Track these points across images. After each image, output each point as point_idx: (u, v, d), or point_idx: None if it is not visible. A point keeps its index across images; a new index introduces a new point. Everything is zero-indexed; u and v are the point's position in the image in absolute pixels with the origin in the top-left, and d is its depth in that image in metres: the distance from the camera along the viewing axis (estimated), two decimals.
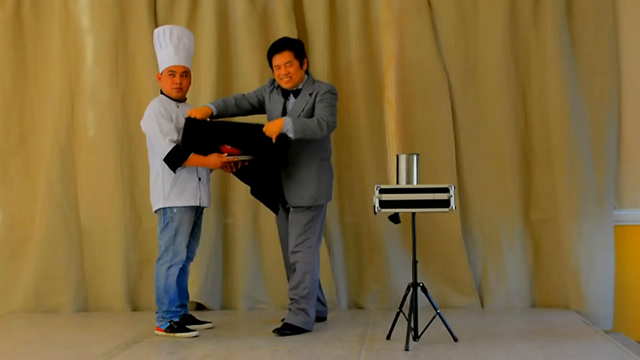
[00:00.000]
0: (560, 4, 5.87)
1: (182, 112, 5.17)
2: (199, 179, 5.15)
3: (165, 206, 5.09)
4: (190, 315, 5.35)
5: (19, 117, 6.30)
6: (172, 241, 5.08)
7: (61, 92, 6.20)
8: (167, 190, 5.09)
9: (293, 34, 5.96)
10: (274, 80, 5.21)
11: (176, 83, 5.15)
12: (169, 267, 5.08)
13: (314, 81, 5.16)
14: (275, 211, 5.30)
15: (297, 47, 5.10)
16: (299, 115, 5.03)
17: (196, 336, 5.07)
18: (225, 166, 5.09)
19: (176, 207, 5.08)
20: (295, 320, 5.06)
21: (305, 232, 5.08)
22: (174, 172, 5.06)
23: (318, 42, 6.02)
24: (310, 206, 5.09)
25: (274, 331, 5.03)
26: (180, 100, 5.23)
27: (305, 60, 5.13)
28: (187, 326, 5.16)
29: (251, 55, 6.07)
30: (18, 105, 6.30)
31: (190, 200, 5.12)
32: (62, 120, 6.19)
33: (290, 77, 5.05)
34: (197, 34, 6.09)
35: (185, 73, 5.19)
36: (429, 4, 6.00)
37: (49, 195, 6.15)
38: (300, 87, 5.11)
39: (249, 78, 6.06)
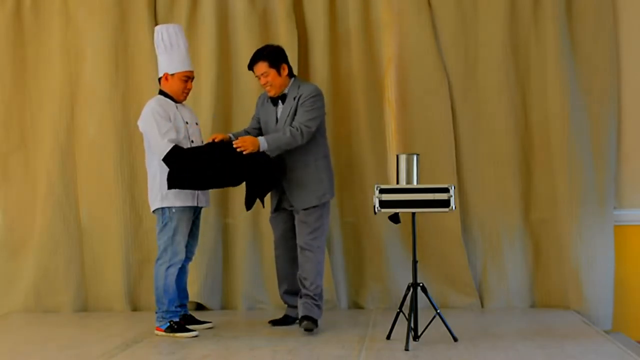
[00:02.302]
0: (560, 4, 5.87)
1: (181, 113, 5.20)
2: None
3: (163, 206, 5.10)
4: (190, 315, 5.35)
5: (19, 117, 6.30)
6: (171, 241, 5.09)
7: (61, 92, 6.20)
8: (165, 190, 5.08)
9: (293, 34, 5.97)
10: (261, 95, 5.35)
11: (188, 88, 5.23)
12: (168, 267, 5.09)
13: (299, 85, 5.19)
14: (248, 207, 5.19)
15: (270, 56, 5.14)
16: (285, 120, 5.11)
17: (196, 336, 5.07)
18: None
19: (174, 207, 5.09)
20: (315, 314, 5.13)
21: (314, 231, 5.13)
22: None
23: (318, 42, 6.02)
24: (313, 207, 5.14)
25: (302, 328, 5.06)
26: (181, 102, 5.26)
27: (282, 67, 5.15)
28: (187, 326, 5.16)
29: (251, 55, 6.05)
30: (18, 105, 6.30)
31: (187, 200, 5.13)
32: (62, 120, 6.19)
33: (271, 86, 5.14)
34: (197, 34, 6.11)
35: (193, 78, 5.28)
36: (429, 4, 6.00)
37: (49, 195, 6.16)
38: (286, 91, 5.18)
39: (249, 78, 6.04)
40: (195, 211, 5.24)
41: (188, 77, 5.21)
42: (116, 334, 5.20)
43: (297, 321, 5.30)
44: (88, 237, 6.20)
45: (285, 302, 5.46)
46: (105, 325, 5.57)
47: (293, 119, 5.10)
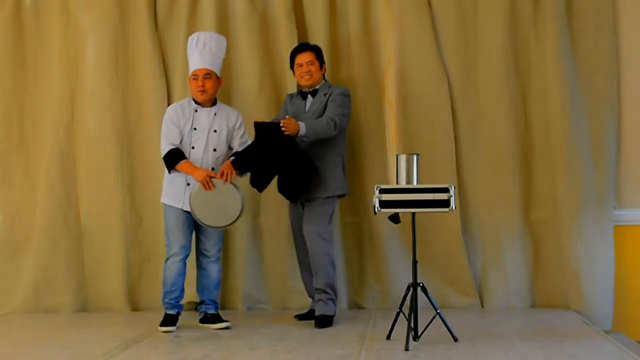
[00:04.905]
0: (560, 4, 5.87)
1: (196, 118, 5.33)
2: (187, 184, 5.29)
3: (161, 201, 5.40)
4: (215, 315, 5.42)
5: (19, 117, 6.30)
6: (166, 236, 5.35)
7: (61, 92, 6.20)
8: (164, 187, 5.40)
9: (293, 34, 5.98)
10: (290, 94, 5.61)
11: (199, 86, 5.32)
12: (166, 260, 5.32)
13: (330, 85, 5.49)
14: (294, 200, 5.43)
15: (318, 51, 5.53)
16: (314, 113, 5.33)
17: (171, 332, 5.22)
18: (205, 183, 5.18)
19: (165, 204, 5.35)
20: (328, 310, 5.28)
21: (318, 223, 5.30)
22: (169, 172, 5.31)
23: (318, 42, 6.00)
24: (325, 198, 5.32)
25: (316, 325, 5.24)
26: (205, 103, 5.36)
27: (324, 65, 5.50)
28: (210, 325, 5.33)
29: (251, 55, 6.07)
30: (18, 105, 6.30)
31: (174, 201, 5.34)
32: (62, 120, 6.19)
33: (311, 75, 5.39)
34: None
35: (208, 75, 5.33)
36: (429, 4, 6.00)
37: (49, 195, 6.15)
38: (317, 87, 5.42)
39: (249, 78, 6.07)
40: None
41: (196, 76, 5.31)
42: (116, 334, 5.20)
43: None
44: (88, 237, 6.20)
45: (312, 297, 5.58)
46: (105, 325, 5.58)
47: (322, 112, 5.32)
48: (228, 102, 6.08)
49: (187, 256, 5.33)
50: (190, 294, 5.87)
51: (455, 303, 5.95)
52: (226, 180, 5.16)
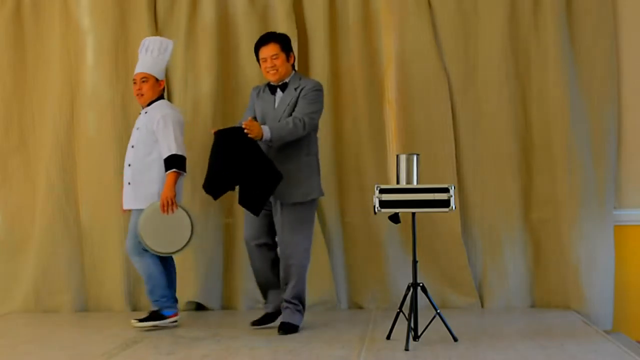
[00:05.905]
0: (560, 4, 5.87)
1: (138, 119, 5.42)
2: (129, 183, 5.37)
3: None
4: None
5: (19, 117, 6.31)
6: None
7: (61, 92, 6.20)
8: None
9: (293, 34, 5.97)
10: (257, 87, 5.30)
11: (137, 89, 5.42)
12: None
13: (300, 77, 5.19)
14: (256, 213, 4.99)
15: (283, 41, 5.14)
16: (284, 110, 5.05)
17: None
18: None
19: None
20: (296, 320, 5.11)
21: (297, 234, 5.05)
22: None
23: (318, 41, 6.02)
24: (301, 202, 5.06)
25: (279, 331, 5.04)
26: (145, 106, 5.42)
27: (291, 54, 5.17)
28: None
29: (251, 55, 6.02)
30: (18, 105, 6.30)
31: None
32: (62, 120, 6.19)
33: (277, 70, 5.09)
34: (196, 34, 6.12)
35: (145, 79, 5.39)
36: (429, 4, 6.01)
37: (49, 195, 6.16)
38: (287, 81, 5.14)
39: (249, 78, 6.07)
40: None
41: (134, 81, 5.44)
42: (116, 334, 5.20)
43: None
44: (88, 237, 6.20)
45: (266, 299, 5.36)
46: (105, 325, 5.57)
47: (293, 109, 5.03)
48: (229, 101, 6.10)
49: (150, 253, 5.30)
50: (193, 294, 5.88)
51: (455, 303, 5.95)
52: (166, 212, 5.15)
